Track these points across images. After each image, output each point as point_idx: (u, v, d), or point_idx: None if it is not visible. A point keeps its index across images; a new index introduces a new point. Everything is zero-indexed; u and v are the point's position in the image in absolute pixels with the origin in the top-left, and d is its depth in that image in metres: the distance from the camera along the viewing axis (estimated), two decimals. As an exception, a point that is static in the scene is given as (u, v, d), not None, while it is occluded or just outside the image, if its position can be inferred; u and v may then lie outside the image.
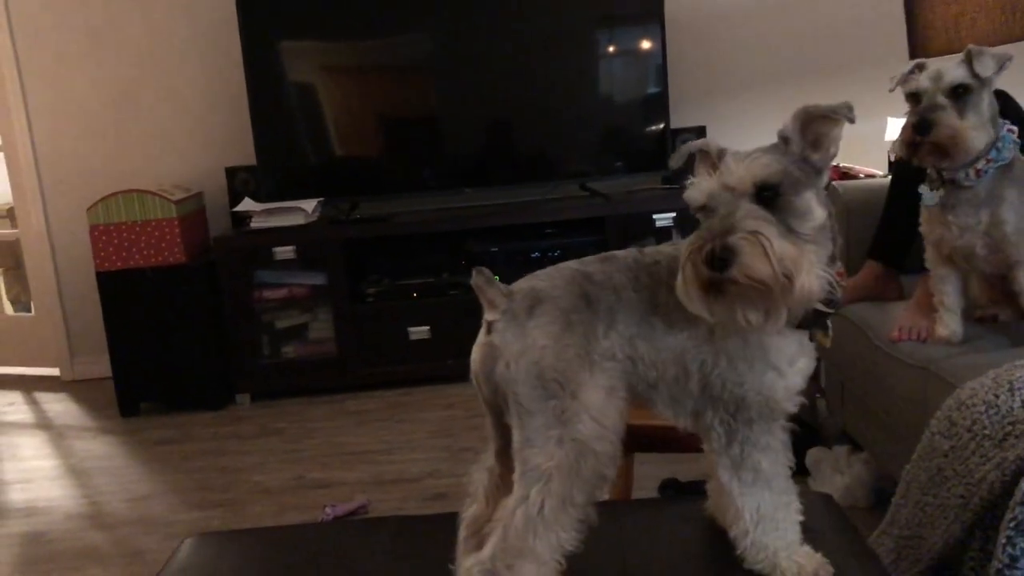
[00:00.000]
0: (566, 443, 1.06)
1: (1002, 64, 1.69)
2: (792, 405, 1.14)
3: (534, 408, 1.07)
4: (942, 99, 1.70)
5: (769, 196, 1.02)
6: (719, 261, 0.97)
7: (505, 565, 1.05)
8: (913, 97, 1.76)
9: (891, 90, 1.81)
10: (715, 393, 1.12)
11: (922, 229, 1.90)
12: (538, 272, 1.17)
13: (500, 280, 1.14)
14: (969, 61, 1.69)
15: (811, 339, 1.15)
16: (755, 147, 1.07)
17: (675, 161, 1.14)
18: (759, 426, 1.12)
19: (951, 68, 1.70)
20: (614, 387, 1.09)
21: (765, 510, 1.13)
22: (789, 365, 1.12)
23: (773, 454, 1.13)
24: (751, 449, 1.12)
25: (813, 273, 0.99)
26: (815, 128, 1.06)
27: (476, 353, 1.14)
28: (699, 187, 1.05)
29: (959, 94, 1.70)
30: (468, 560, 1.09)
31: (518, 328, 1.09)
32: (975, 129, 1.70)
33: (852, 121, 1.05)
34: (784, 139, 1.06)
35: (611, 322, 1.10)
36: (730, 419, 1.12)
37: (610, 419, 1.08)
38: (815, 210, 1.04)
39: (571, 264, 1.16)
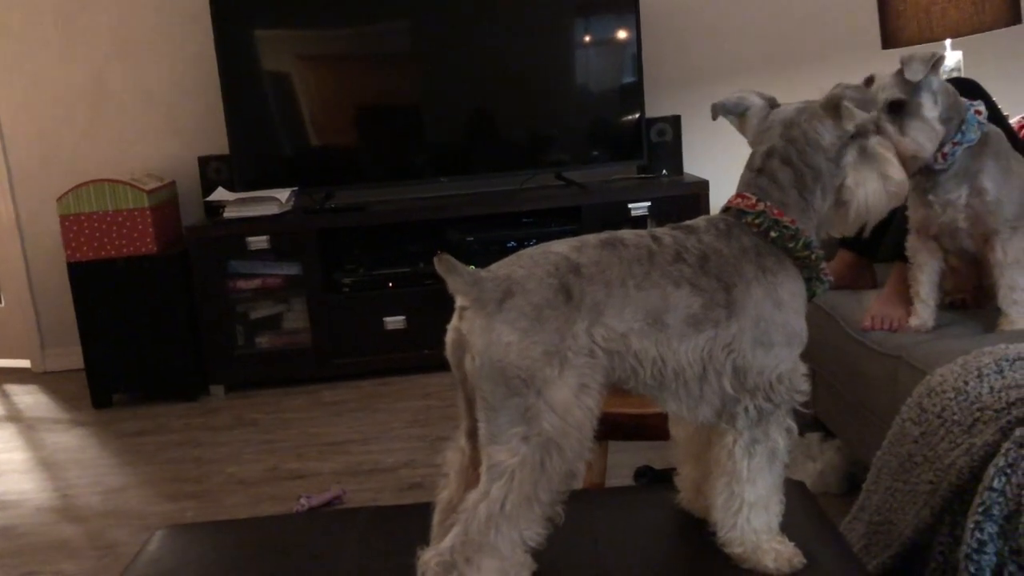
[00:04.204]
0: (531, 440, 1.04)
1: (932, 64, 1.73)
2: (807, 385, 1.18)
3: (498, 405, 1.05)
4: (882, 119, 1.74)
5: None
6: None
7: (464, 558, 1.04)
8: None
9: None
10: (752, 382, 1.13)
11: (908, 213, 1.93)
12: (522, 253, 1.13)
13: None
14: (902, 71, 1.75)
15: None
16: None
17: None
18: (785, 407, 1.16)
19: (886, 84, 1.75)
20: (586, 384, 1.07)
21: (760, 494, 1.15)
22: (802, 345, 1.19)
23: (789, 437, 1.17)
24: (776, 429, 1.15)
25: None
26: None
27: (449, 337, 1.13)
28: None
29: (897, 108, 1.74)
30: (427, 552, 1.08)
31: (485, 320, 1.07)
32: (920, 136, 1.74)
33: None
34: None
35: (596, 317, 1.08)
36: (763, 402, 1.14)
37: (576, 417, 1.06)
38: None
39: (561, 250, 1.12)
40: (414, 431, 3.07)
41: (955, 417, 1.45)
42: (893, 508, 1.52)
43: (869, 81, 1.81)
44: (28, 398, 3.86)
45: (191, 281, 3.59)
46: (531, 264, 1.10)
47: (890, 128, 1.73)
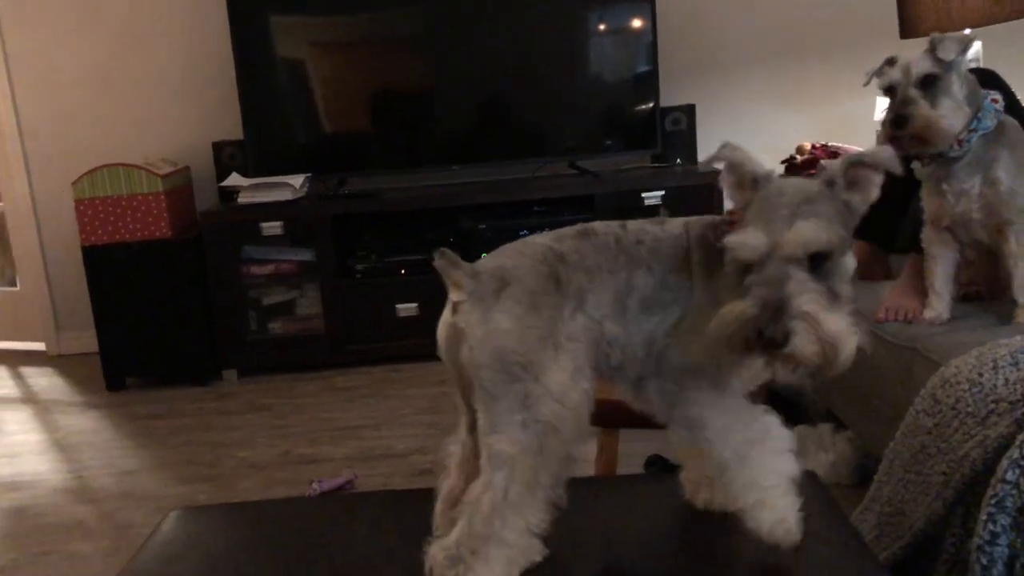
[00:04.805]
0: (530, 426, 1.05)
1: (964, 46, 1.74)
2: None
3: (498, 392, 1.06)
4: (913, 92, 1.77)
5: (819, 262, 1.00)
6: (772, 342, 0.96)
7: (470, 551, 1.05)
8: (888, 90, 1.83)
9: (865, 84, 1.88)
10: (671, 363, 1.12)
11: (923, 204, 1.93)
12: (505, 248, 1.15)
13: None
14: (933, 49, 1.76)
15: None
16: (798, 183, 1.05)
17: (709, 163, 1.12)
18: (707, 389, 1.12)
19: (919, 60, 1.77)
20: (579, 368, 1.08)
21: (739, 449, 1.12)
22: None
23: (719, 411, 1.12)
24: (697, 408, 1.12)
25: (854, 342, 0.99)
26: (857, 173, 1.06)
27: (441, 332, 1.14)
28: (749, 245, 1.00)
29: (929, 83, 1.76)
30: (434, 545, 1.09)
31: (483, 311, 1.08)
32: (949, 113, 1.76)
33: (896, 171, 1.05)
34: (830, 183, 1.05)
35: (580, 303, 1.10)
36: (671, 385, 1.12)
37: (574, 400, 1.07)
38: (852, 264, 1.04)
39: (543, 240, 1.14)
40: (425, 418, 3.08)
41: (969, 409, 1.44)
42: (905, 499, 1.52)
43: (891, 62, 1.81)
44: (43, 380, 3.89)
45: (205, 266, 3.61)
46: (518, 255, 1.12)
47: (923, 101, 1.73)
